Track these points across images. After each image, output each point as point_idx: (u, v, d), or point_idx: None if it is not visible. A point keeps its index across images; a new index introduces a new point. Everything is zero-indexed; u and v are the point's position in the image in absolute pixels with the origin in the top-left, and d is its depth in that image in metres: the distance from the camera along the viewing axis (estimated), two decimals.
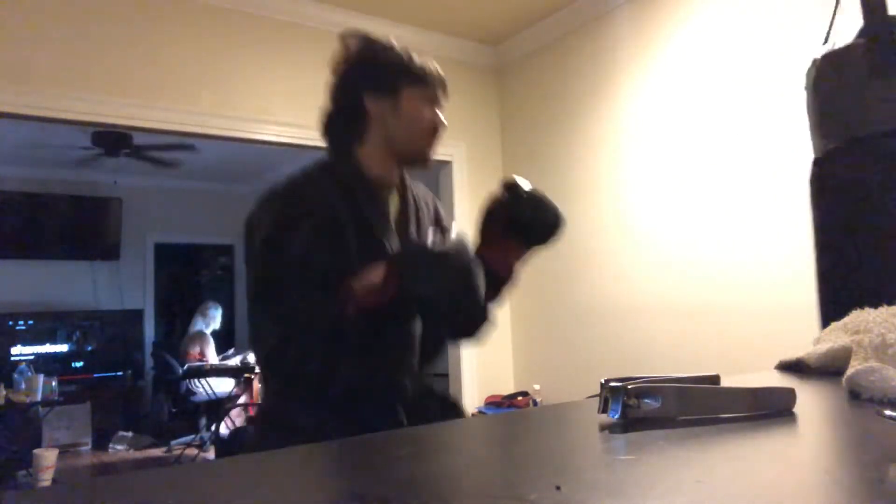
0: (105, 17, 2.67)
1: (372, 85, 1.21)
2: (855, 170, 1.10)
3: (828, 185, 1.16)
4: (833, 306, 1.11)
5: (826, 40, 1.22)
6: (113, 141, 5.18)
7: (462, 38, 3.61)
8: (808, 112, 1.22)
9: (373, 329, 1.06)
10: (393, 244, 1.18)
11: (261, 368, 1.24)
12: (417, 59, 1.23)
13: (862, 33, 1.10)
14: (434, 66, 1.25)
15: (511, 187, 1.23)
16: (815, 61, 1.19)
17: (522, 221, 1.21)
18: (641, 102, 2.98)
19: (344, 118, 1.26)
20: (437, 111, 1.25)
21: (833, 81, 1.15)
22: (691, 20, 2.79)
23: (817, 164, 1.18)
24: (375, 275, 1.03)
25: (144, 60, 2.72)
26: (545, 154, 3.47)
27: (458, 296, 1.03)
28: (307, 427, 1.06)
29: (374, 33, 1.26)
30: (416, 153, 1.24)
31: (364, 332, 1.05)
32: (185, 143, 5.35)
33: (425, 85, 1.22)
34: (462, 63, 3.68)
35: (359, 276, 1.05)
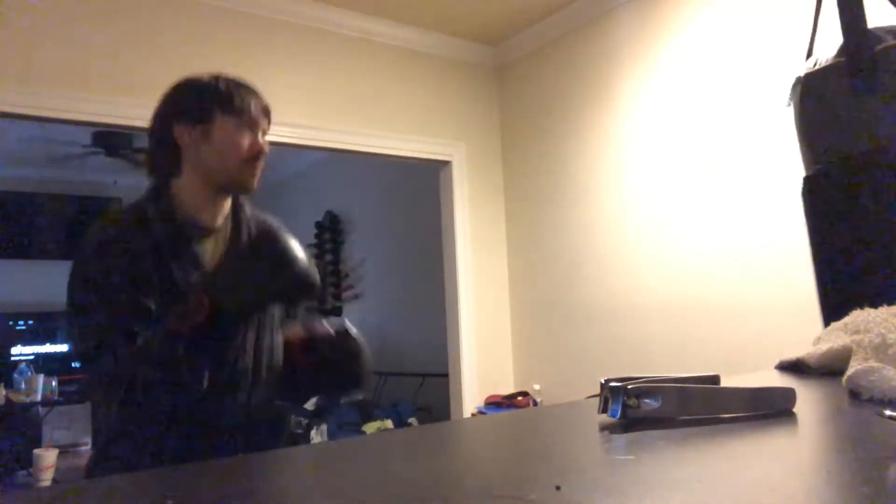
0: (105, 17, 2.66)
1: (182, 115, 1.19)
2: (842, 189, 1.10)
3: (818, 204, 1.17)
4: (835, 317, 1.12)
5: (809, 54, 1.22)
6: (113, 141, 5.18)
7: (462, 38, 3.61)
8: (796, 128, 1.23)
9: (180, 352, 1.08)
10: (190, 282, 1.17)
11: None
12: (232, 86, 1.22)
13: (840, 52, 1.10)
14: (252, 92, 1.26)
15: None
16: (797, 79, 1.19)
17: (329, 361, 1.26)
18: (642, 102, 2.98)
19: (158, 152, 1.22)
20: (257, 137, 1.23)
21: (815, 100, 1.15)
22: (692, 20, 2.79)
23: (807, 182, 1.19)
24: (186, 301, 1.09)
25: (144, 60, 2.72)
26: (545, 154, 3.47)
27: (269, 288, 1.12)
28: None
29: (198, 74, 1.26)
30: (234, 181, 1.21)
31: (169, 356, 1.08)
32: None
33: (239, 111, 1.20)
34: (462, 63, 3.68)
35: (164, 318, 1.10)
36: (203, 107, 1.18)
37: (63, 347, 6.30)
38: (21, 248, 6.01)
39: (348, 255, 5.66)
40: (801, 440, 0.55)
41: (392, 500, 0.39)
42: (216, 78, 1.23)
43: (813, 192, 1.17)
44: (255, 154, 1.22)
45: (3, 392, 4.47)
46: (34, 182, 6.11)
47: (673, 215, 2.83)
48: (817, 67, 1.13)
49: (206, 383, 1.11)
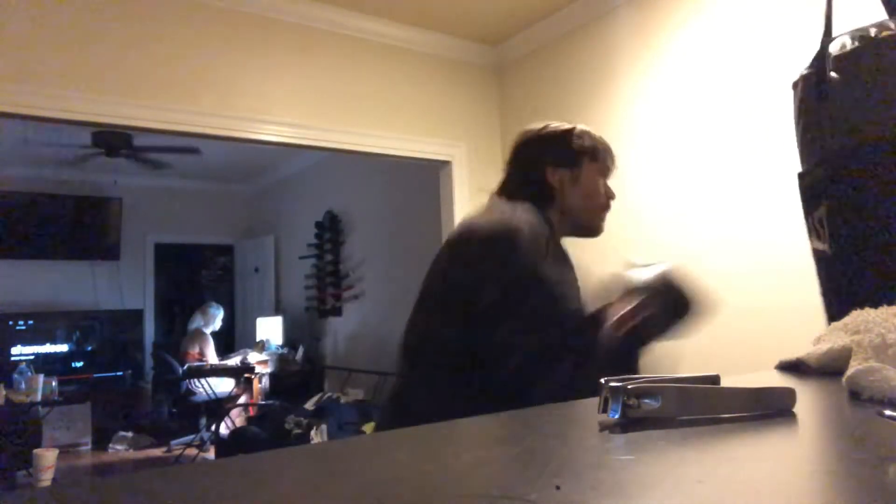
0: (105, 17, 2.67)
1: (556, 159, 1.30)
2: (839, 184, 1.10)
3: (813, 199, 1.17)
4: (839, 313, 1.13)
5: (825, 36, 1.22)
6: (113, 141, 5.18)
7: (462, 38, 3.61)
8: (796, 126, 1.23)
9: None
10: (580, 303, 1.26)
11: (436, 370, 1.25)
12: (594, 138, 1.35)
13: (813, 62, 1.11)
14: (606, 144, 1.38)
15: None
16: (801, 76, 1.19)
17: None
18: (641, 102, 2.98)
19: (529, 191, 1.31)
20: (609, 185, 1.37)
21: (812, 98, 1.15)
22: (692, 20, 2.79)
23: (802, 177, 1.19)
24: (620, 307, 1.16)
25: (145, 60, 2.72)
26: None
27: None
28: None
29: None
30: (591, 223, 1.36)
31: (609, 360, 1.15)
32: (189, 146, 5.37)
33: (602, 160, 1.34)
34: (462, 63, 3.68)
35: (601, 313, 1.16)
36: (576, 153, 1.31)
37: (63, 347, 6.30)
38: (21, 248, 6.02)
39: (348, 255, 5.66)
40: (801, 440, 0.55)
41: (392, 500, 0.39)
42: (578, 128, 1.36)
43: (806, 186, 1.17)
44: (610, 200, 1.37)
45: (3, 392, 4.47)
46: (34, 182, 6.11)
47: (672, 215, 2.83)
48: (891, 34, 1.11)
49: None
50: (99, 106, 2.61)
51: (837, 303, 1.20)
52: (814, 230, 1.21)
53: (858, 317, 0.82)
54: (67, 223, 6.25)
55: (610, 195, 1.36)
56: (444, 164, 3.58)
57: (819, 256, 1.20)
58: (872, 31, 1.11)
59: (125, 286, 6.68)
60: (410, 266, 4.76)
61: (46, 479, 4.09)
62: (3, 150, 5.47)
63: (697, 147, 2.75)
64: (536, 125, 1.35)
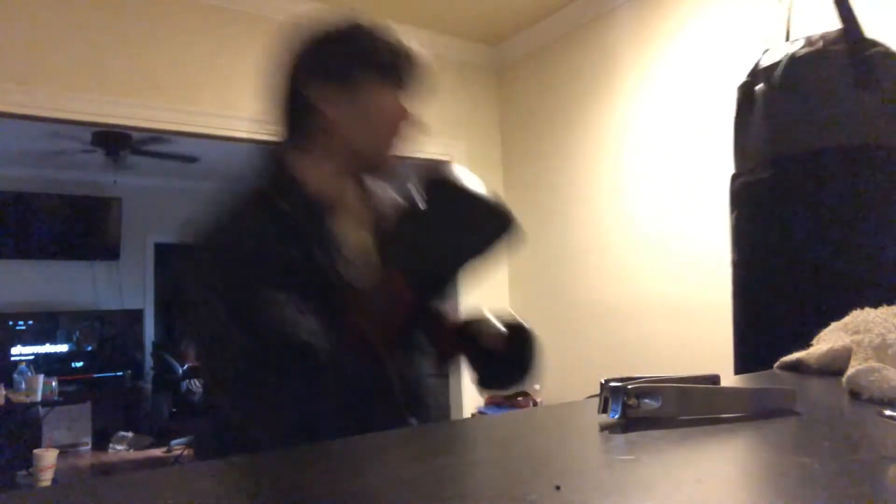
0: (105, 17, 2.67)
1: (323, 73, 0.94)
2: (816, 181, 1.11)
3: (745, 201, 1.18)
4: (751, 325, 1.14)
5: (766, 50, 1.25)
6: (113, 141, 5.18)
7: (462, 38, 3.61)
8: (745, 119, 1.24)
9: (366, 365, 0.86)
10: (358, 278, 0.92)
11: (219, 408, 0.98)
12: (381, 33, 0.96)
13: (834, 41, 1.12)
14: (405, 47, 0.98)
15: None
16: (773, 64, 1.21)
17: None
18: (641, 102, 2.98)
19: (284, 118, 0.98)
20: (406, 102, 0.98)
21: (802, 87, 1.16)
22: (692, 20, 2.79)
23: (752, 173, 1.20)
24: (369, 301, 0.85)
25: (144, 60, 2.72)
26: (545, 154, 3.47)
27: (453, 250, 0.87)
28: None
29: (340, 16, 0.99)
30: (378, 157, 0.99)
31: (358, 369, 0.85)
32: (188, 154, 5.38)
33: (392, 69, 0.96)
34: (462, 63, 3.68)
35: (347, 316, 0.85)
36: (350, 63, 0.95)
37: (63, 347, 6.30)
38: (21, 248, 6.01)
39: None
40: (801, 440, 0.55)
41: (392, 500, 0.39)
42: (359, 26, 0.97)
43: (740, 189, 1.18)
44: (407, 123, 0.98)
45: (3, 392, 4.47)
46: (34, 182, 6.11)
47: (673, 215, 2.83)
48: (816, 49, 1.13)
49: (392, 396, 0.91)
50: (99, 106, 2.61)
51: (740, 309, 1.21)
52: (732, 235, 1.23)
53: (858, 317, 0.82)
54: (67, 223, 6.24)
55: (404, 117, 0.97)
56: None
57: (732, 261, 1.22)
58: (799, 46, 1.13)
59: (125, 286, 6.67)
60: None
61: (46, 479, 4.09)
62: (2, 150, 5.47)
63: (698, 146, 2.75)
64: (302, 28, 0.98)
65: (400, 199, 0.98)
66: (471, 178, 0.91)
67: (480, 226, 0.90)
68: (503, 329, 1.02)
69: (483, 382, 1.08)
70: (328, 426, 0.82)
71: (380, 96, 0.95)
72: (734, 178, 1.25)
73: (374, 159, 0.98)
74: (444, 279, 0.91)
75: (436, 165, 0.92)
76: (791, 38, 1.26)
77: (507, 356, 1.02)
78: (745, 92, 1.23)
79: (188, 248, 0.90)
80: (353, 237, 0.97)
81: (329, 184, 0.96)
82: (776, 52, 1.18)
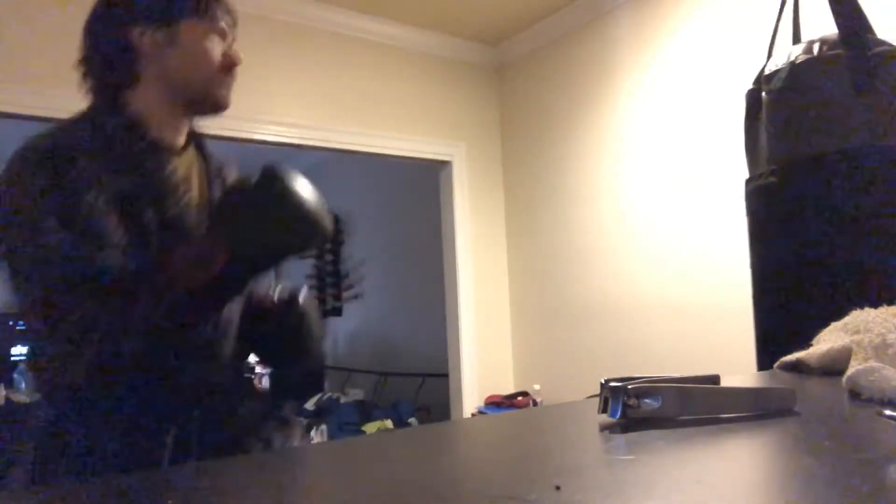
0: None
1: (142, 17, 0.99)
2: (820, 184, 1.12)
3: (768, 199, 1.19)
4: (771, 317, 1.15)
5: (768, 57, 1.26)
6: None
7: (462, 38, 3.61)
8: (753, 124, 1.25)
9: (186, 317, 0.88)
10: (186, 216, 0.96)
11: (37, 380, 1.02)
12: None
13: (835, 45, 1.13)
14: None
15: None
16: (775, 71, 1.21)
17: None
18: (641, 102, 2.98)
19: (108, 60, 1.02)
20: (231, 44, 1.06)
21: (803, 94, 1.17)
22: (691, 20, 2.79)
23: (761, 178, 1.21)
24: (189, 248, 0.88)
25: None
26: (545, 154, 3.47)
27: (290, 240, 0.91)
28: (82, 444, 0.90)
29: None
30: (206, 94, 1.03)
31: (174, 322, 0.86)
32: None
33: (212, 15, 1.02)
34: (462, 63, 3.68)
35: (162, 258, 0.87)
36: (168, 6, 0.99)
37: None
38: None
39: (348, 255, 5.66)
40: (801, 440, 0.55)
41: (392, 500, 0.39)
42: None
43: (758, 191, 1.19)
44: (230, 64, 1.06)
45: (3, 392, 4.47)
46: None
47: (673, 215, 2.83)
48: (817, 55, 1.14)
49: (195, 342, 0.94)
50: None
51: (759, 311, 1.23)
52: (748, 239, 1.24)
53: (858, 317, 0.82)
54: None
55: (229, 58, 1.05)
56: (444, 164, 3.58)
57: (750, 264, 1.23)
58: (799, 51, 1.14)
59: None
60: (410, 266, 4.76)
61: None
62: (3, 150, 5.47)
63: (698, 146, 2.75)
64: None
65: (228, 168, 1.09)
66: (303, 184, 0.95)
67: (302, 228, 0.92)
68: (274, 297, 1.08)
69: (263, 358, 1.14)
70: (133, 346, 0.83)
71: (200, 37, 1.01)
72: (747, 182, 1.26)
73: (203, 97, 1.03)
74: (257, 265, 0.94)
75: (273, 163, 0.94)
76: (800, 40, 1.27)
77: (278, 328, 1.07)
78: (752, 98, 1.25)
79: (8, 161, 0.91)
80: (184, 182, 1.01)
81: (166, 125, 1.01)
82: (781, 56, 1.19)
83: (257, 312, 1.08)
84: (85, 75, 1.08)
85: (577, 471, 0.46)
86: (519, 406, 3.33)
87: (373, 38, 3.34)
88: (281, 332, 1.09)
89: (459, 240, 3.53)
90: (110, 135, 0.96)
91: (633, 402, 0.56)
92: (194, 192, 1.02)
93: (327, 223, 0.97)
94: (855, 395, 0.65)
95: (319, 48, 3.20)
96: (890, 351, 0.70)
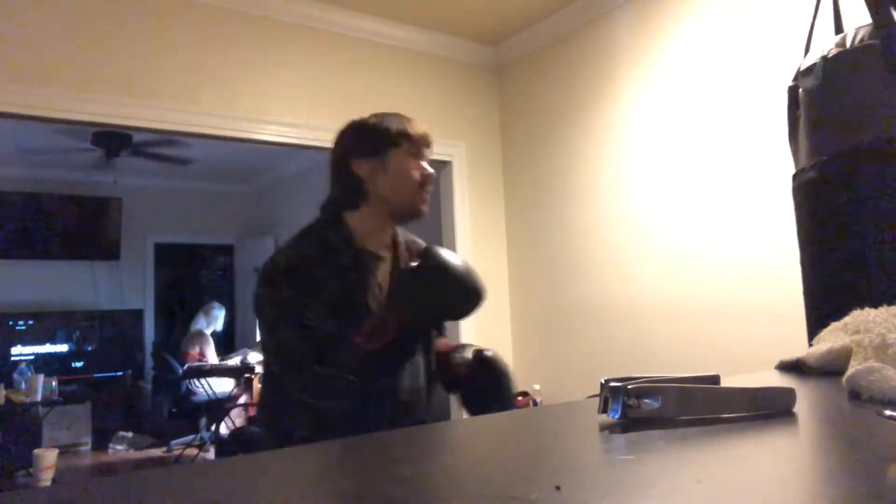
0: (105, 17, 2.66)
1: (359, 152, 1.33)
2: (842, 180, 1.11)
3: (812, 196, 1.18)
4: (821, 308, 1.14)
5: (806, 52, 1.25)
6: (113, 141, 5.17)
7: (462, 38, 3.61)
8: (795, 121, 1.25)
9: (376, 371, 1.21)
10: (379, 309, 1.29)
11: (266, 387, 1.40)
12: (399, 120, 1.36)
13: (873, 35, 1.11)
14: (415, 123, 1.37)
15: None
16: (809, 67, 1.21)
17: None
18: (642, 102, 2.98)
19: (339, 187, 1.37)
20: (423, 164, 1.35)
21: (836, 88, 1.16)
22: (692, 20, 2.79)
23: (809, 172, 1.20)
24: (373, 322, 1.22)
25: (144, 60, 2.72)
26: (545, 154, 3.47)
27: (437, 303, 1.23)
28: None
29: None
30: (409, 206, 1.34)
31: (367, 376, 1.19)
32: (181, 156, 5.38)
33: (410, 142, 1.33)
34: (462, 63, 3.68)
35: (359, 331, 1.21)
36: (379, 142, 1.32)
37: (63, 347, 6.30)
38: (21, 248, 6.01)
39: None
40: (801, 440, 0.55)
41: (392, 500, 0.39)
42: (384, 115, 1.38)
43: (806, 183, 1.19)
44: (426, 179, 1.35)
45: (3, 392, 4.47)
46: (34, 182, 6.11)
47: (673, 215, 2.83)
48: (850, 47, 1.13)
49: (395, 398, 1.26)
50: (99, 106, 2.61)
51: (807, 307, 1.22)
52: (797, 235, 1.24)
53: (858, 317, 0.82)
54: (67, 223, 6.24)
55: (425, 174, 1.34)
56: (444, 164, 3.57)
57: (800, 260, 1.23)
58: (846, 40, 1.14)
59: (125, 286, 6.67)
60: None
61: (46, 479, 4.09)
62: (3, 150, 5.47)
63: (697, 147, 2.75)
64: (346, 125, 1.40)
65: (409, 257, 1.40)
66: (455, 258, 1.26)
67: (456, 296, 1.24)
68: (469, 358, 1.35)
69: (463, 404, 1.40)
70: (343, 410, 1.19)
71: (403, 164, 1.32)
72: (793, 178, 1.27)
73: (406, 210, 1.34)
74: (421, 327, 1.31)
75: (432, 246, 1.32)
76: (842, 30, 1.26)
77: (474, 383, 1.35)
78: (792, 94, 1.25)
79: (262, 272, 1.29)
80: (382, 277, 1.34)
81: (373, 236, 1.35)
82: (819, 50, 1.18)
83: (456, 377, 1.38)
84: (325, 203, 1.40)
85: (577, 471, 0.46)
86: (519, 406, 3.33)
87: (373, 39, 3.34)
88: (481, 392, 1.36)
89: (459, 240, 3.53)
90: (333, 247, 1.30)
91: (633, 402, 0.56)
92: (384, 286, 1.34)
93: (476, 286, 1.24)
94: (855, 395, 0.65)
95: (319, 48, 3.20)
96: (890, 351, 0.70)
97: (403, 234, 1.46)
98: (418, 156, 1.34)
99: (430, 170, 1.36)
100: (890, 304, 0.83)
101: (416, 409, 1.32)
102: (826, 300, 1.16)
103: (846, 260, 1.12)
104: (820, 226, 1.18)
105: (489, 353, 1.35)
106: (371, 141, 1.32)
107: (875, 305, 0.84)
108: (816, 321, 1.17)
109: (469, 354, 1.36)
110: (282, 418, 1.31)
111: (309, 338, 1.20)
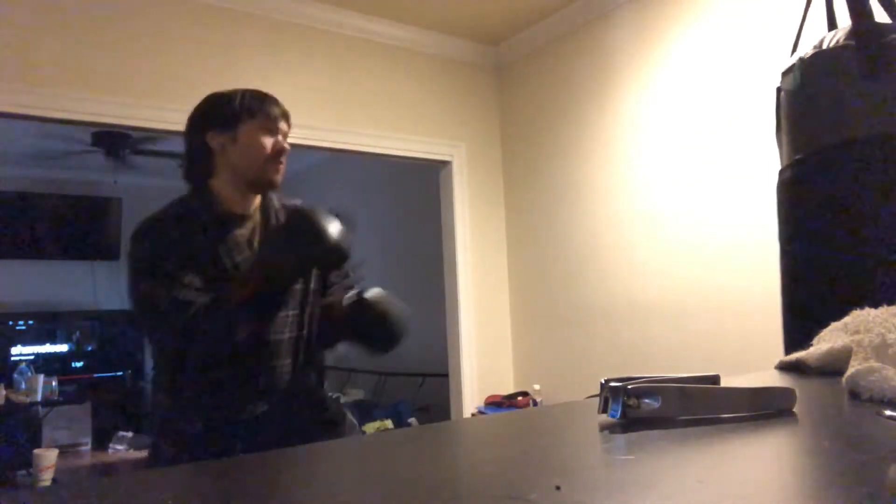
0: (105, 16, 2.66)
1: (213, 124, 1.40)
2: (828, 177, 1.12)
3: (796, 193, 1.19)
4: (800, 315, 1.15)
5: (794, 50, 1.26)
6: (113, 141, 5.17)
7: (462, 38, 3.61)
8: (779, 121, 1.26)
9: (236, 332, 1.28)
10: (243, 265, 1.36)
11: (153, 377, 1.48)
12: (254, 96, 1.41)
13: (849, 37, 1.12)
14: (271, 100, 1.42)
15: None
16: (789, 68, 1.22)
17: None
18: (641, 102, 2.98)
19: (195, 157, 1.43)
20: (277, 138, 1.41)
21: (818, 82, 1.17)
22: (692, 20, 2.79)
23: (786, 171, 1.21)
24: (238, 275, 1.32)
25: (144, 60, 2.72)
26: (545, 154, 3.47)
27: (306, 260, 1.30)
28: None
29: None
30: (260, 178, 1.40)
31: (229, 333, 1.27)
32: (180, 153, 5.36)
33: (261, 117, 1.39)
34: (462, 63, 3.68)
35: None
36: (230, 115, 1.38)
37: (63, 347, 6.30)
38: (21, 248, 6.01)
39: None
40: (801, 440, 0.55)
41: (392, 500, 0.39)
42: (239, 91, 1.43)
43: (791, 181, 1.19)
44: (277, 153, 1.40)
45: (3, 392, 4.47)
46: (34, 182, 6.10)
47: (673, 215, 2.83)
48: (825, 48, 1.15)
49: (253, 347, 1.32)
50: (99, 106, 2.61)
51: (784, 307, 1.22)
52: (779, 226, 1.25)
53: (858, 317, 0.82)
54: (67, 223, 6.23)
55: (276, 147, 1.40)
56: (444, 164, 3.57)
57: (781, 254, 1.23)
58: (824, 42, 1.14)
59: (125, 286, 6.67)
60: (410, 266, 4.75)
61: (46, 479, 4.09)
62: (2, 150, 5.47)
63: (697, 147, 2.75)
64: (204, 98, 1.46)
65: (277, 216, 1.46)
66: (328, 219, 1.31)
67: (319, 253, 1.31)
68: (346, 298, 1.42)
69: (350, 345, 1.50)
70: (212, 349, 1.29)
71: (253, 137, 1.38)
72: (778, 177, 1.27)
73: (257, 181, 1.40)
74: (286, 278, 1.35)
75: (306, 204, 1.40)
76: (836, 27, 1.27)
77: (355, 325, 1.42)
78: (777, 94, 1.26)
79: (130, 240, 1.37)
80: (248, 235, 1.41)
81: (238, 201, 1.41)
82: (809, 47, 1.19)
83: (334, 319, 1.44)
84: (182, 168, 1.46)
85: (577, 471, 0.46)
86: (519, 406, 3.33)
87: (373, 38, 3.34)
88: (362, 329, 1.43)
89: (459, 240, 3.53)
90: (194, 209, 1.38)
91: (633, 402, 0.56)
92: (255, 247, 1.40)
93: (336, 244, 1.29)
94: (855, 395, 0.65)
95: (319, 48, 3.20)
96: (890, 351, 0.70)
97: (280, 198, 1.50)
98: (272, 131, 1.40)
99: (285, 144, 1.41)
100: (861, 303, 0.83)
101: (280, 353, 1.39)
102: (797, 294, 1.17)
103: (819, 261, 1.12)
104: (794, 224, 1.19)
105: (369, 295, 1.41)
106: (224, 114, 1.39)
107: (846, 304, 0.85)
108: (792, 319, 1.18)
109: (352, 299, 1.43)
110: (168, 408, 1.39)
111: (172, 288, 1.27)
